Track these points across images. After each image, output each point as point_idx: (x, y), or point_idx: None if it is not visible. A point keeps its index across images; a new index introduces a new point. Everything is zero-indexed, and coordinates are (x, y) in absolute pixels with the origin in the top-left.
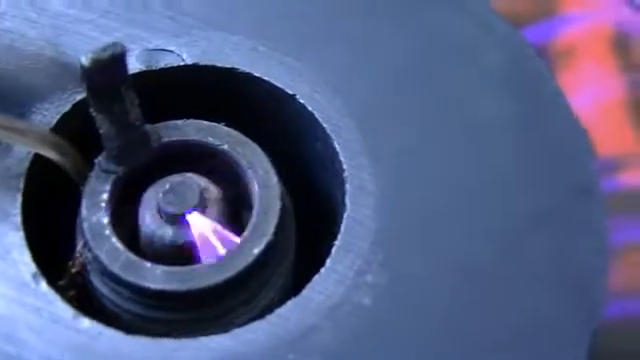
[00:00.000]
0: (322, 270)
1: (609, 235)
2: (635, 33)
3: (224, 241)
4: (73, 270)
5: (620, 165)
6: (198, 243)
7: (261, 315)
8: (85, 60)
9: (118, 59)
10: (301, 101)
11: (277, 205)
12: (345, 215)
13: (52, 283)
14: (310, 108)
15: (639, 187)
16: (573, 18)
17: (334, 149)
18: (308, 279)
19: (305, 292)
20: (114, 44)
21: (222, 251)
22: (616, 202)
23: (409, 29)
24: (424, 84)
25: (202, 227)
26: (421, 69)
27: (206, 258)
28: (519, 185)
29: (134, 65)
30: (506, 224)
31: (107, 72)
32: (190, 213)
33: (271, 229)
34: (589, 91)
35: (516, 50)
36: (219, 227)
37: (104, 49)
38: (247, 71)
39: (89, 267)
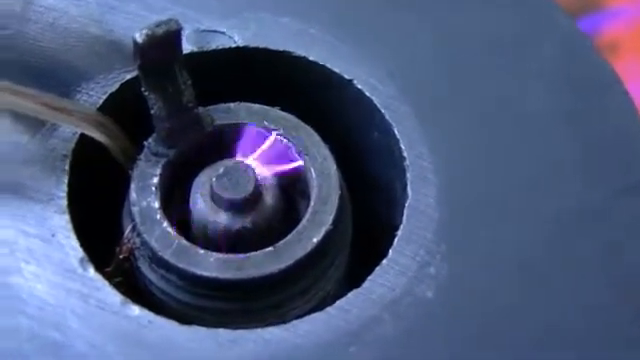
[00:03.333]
0: (384, 261)
1: None
2: None
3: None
4: (121, 256)
5: None
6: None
7: (318, 307)
8: (139, 36)
9: (173, 36)
10: (359, 87)
11: (336, 194)
12: (407, 204)
13: (98, 269)
14: (368, 94)
15: None
16: (618, 12)
17: (395, 137)
18: (362, 272)
19: (366, 284)
20: (169, 20)
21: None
22: None
23: (466, 20)
24: (480, 75)
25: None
26: (477, 60)
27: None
28: (575, 180)
29: (185, 46)
30: (559, 219)
31: (161, 49)
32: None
33: (330, 218)
34: (634, 87)
35: (574, 42)
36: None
37: (158, 25)
38: (301, 55)
39: (138, 253)
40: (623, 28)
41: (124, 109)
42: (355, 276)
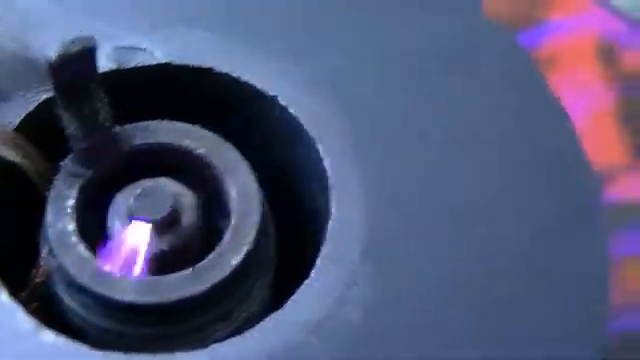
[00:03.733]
0: (306, 281)
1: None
2: (620, 41)
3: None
4: (36, 280)
5: (609, 177)
6: (123, 251)
7: (241, 330)
8: (53, 54)
9: (88, 54)
10: (283, 103)
11: (257, 212)
12: (330, 223)
13: (12, 294)
14: (292, 111)
15: (628, 200)
16: (557, 25)
17: (318, 153)
18: (289, 293)
19: (289, 305)
20: (84, 38)
21: (136, 272)
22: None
23: (399, 31)
24: (416, 88)
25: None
26: (412, 72)
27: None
28: (513, 196)
29: (104, 64)
30: (500, 237)
31: (76, 67)
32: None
33: (251, 237)
34: (574, 100)
35: (511, 54)
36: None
37: (73, 42)
38: (225, 71)
39: (54, 277)
40: (564, 41)
41: (41, 129)
42: (282, 298)
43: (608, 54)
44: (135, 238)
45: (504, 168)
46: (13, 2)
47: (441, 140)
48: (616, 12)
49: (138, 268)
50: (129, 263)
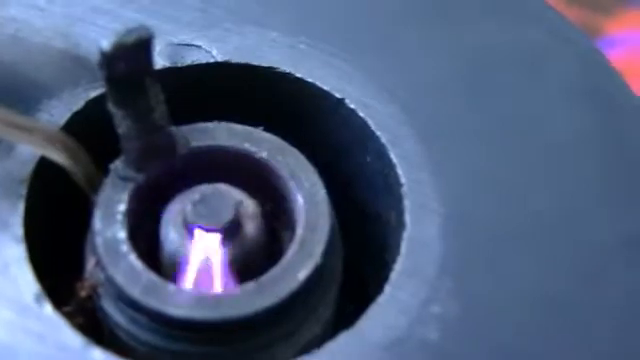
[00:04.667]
0: (380, 298)
1: None
2: None
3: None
4: (82, 294)
5: None
6: (194, 266)
7: (304, 352)
8: (106, 44)
9: (144, 45)
10: (351, 106)
11: (326, 222)
12: (405, 235)
13: (57, 308)
14: (362, 114)
15: None
16: (619, 40)
17: (390, 161)
18: (356, 310)
19: (361, 324)
20: (140, 28)
21: (215, 289)
22: None
23: (468, 36)
24: (489, 95)
25: (213, 253)
26: (485, 80)
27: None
28: (601, 210)
29: (157, 61)
30: (587, 251)
31: (130, 60)
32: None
33: (319, 250)
34: None
35: (590, 59)
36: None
37: (128, 32)
38: (287, 71)
39: (101, 290)
40: (624, 55)
41: (89, 129)
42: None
43: None
44: (205, 250)
45: (585, 177)
46: None
47: (520, 151)
48: None
49: (218, 283)
50: (205, 278)
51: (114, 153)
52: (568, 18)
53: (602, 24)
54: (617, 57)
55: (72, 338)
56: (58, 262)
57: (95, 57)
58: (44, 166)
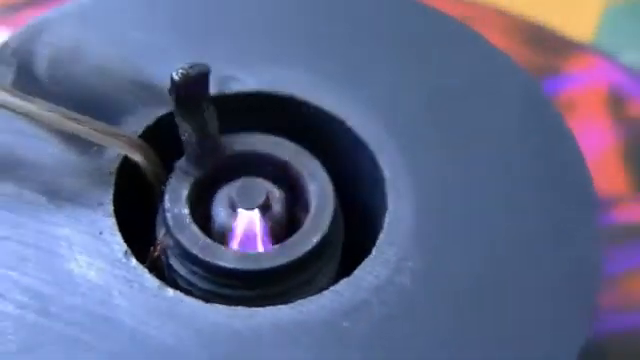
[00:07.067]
0: (370, 256)
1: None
2: (627, 91)
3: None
4: (155, 254)
5: (615, 203)
6: (238, 234)
7: (317, 293)
8: (176, 74)
9: (203, 77)
10: (348, 125)
11: (331, 205)
12: (387, 214)
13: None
14: (358, 132)
15: (633, 221)
16: (574, 77)
17: (378, 164)
18: (353, 266)
19: (356, 273)
20: (201, 64)
21: (260, 248)
22: (612, 235)
23: (434, 74)
24: (453, 118)
25: (251, 225)
26: (450, 104)
27: (234, 245)
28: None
29: (210, 88)
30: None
31: (193, 87)
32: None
33: (327, 223)
34: (585, 141)
35: (535, 96)
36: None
37: (192, 67)
38: (304, 99)
39: (169, 252)
40: (578, 90)
41: (159, 137)
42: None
43: (616, 102)
44: (245, 223)
45: (515, 177)
46: (126, 34)
47: (478, 157)
48: (623, 68)
49: (260, 244)
50: (246, 242)
51: (178, 155)
52: (516, 57)
53: (562, 63)
54: (571, 91)
55: (151, 281)
56: (137, 232)
57: (159, 84)
58: (126, 163)
